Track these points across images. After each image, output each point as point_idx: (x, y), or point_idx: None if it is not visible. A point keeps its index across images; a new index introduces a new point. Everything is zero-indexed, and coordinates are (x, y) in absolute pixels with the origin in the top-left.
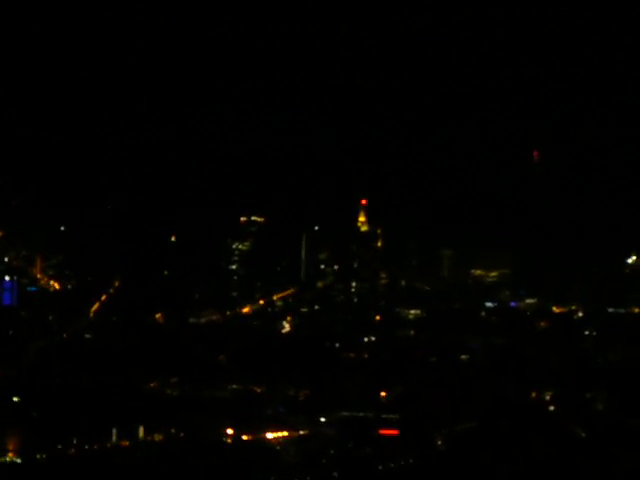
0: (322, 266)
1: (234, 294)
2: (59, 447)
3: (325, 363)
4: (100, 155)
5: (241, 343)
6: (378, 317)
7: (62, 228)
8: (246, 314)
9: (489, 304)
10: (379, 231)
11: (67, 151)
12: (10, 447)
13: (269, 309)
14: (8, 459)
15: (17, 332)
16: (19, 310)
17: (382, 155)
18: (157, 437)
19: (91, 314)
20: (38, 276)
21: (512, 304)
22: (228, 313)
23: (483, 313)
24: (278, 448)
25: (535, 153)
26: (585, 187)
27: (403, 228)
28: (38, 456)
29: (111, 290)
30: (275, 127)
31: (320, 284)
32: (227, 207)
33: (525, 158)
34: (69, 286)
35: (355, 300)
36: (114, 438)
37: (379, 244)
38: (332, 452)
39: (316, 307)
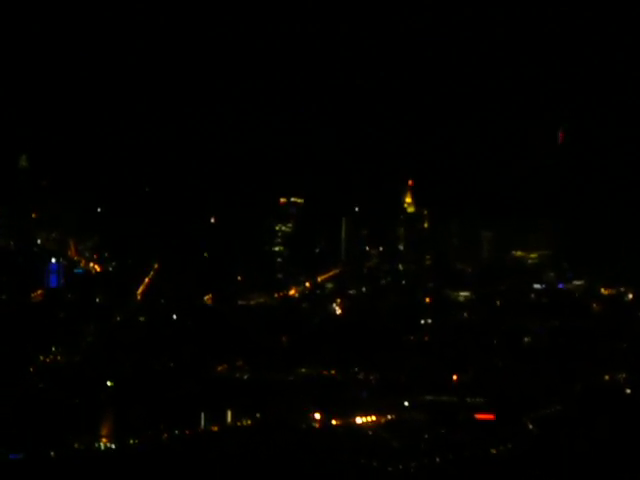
0: (366, 248)
1: (279, 276)
2: (151, 432)
3: (387, 346)
4: (139, 136)
5: (302, 325)
6: (428, 299)
7: (98, 210)
8: (293, 296)
9: (537, 286)
10: (425, 212)
11: (103, 132)
12: (103, 433)
13: (317, 291)
14: (102, 445)
15: (67, 315)
16: (65, 292)
17: (427, 137)
18: (245, 422)
19: (138, 296)
20: (75, 258)
21: (560, 286)
22: (276, 295)
23: (532, 295)
24: (370, 433)
25: (561, 134)
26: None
27: (445, 210)
28: (131, 441)
29: (152, 272)
30: (318, 106)
31: (365, 265)
32: (266, 188)
33: (556, 139)
34: (110, 268)
35: (403, 282)
36: (202, 423)
37: (425, 225)
38: (427, 437)
39: (363, 289)
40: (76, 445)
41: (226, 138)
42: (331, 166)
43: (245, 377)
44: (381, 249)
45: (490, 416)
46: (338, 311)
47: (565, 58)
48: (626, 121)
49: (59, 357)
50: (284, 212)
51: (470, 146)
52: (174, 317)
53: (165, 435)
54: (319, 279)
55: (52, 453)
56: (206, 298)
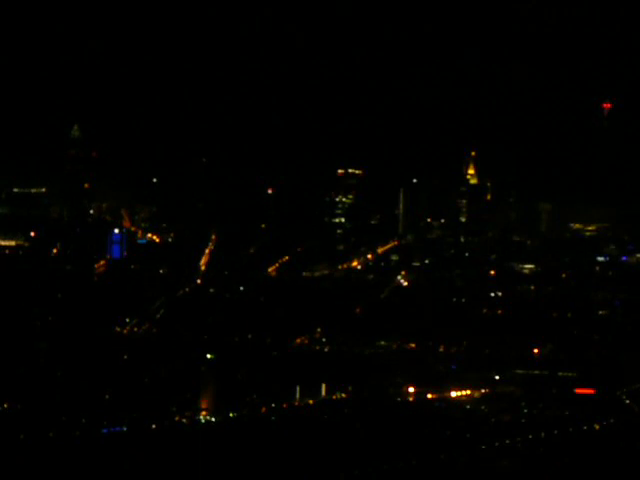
0: (428, 219)
1: (340, 247)
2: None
3: (460, 319)
4: (197, 106)
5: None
6: (493, 272)
7: (154, 180)
8: (356, 268)
9: (601, 258)
10: (489, 184)
11: (160, 101)
12: (203, 406)
13: (382, 263)
14: (202, 418)
15: (134, 286)
16: (129, 263)
17: (489, 107)
18: (339, 395)
19: (202, 267)
20: (132, 229)
21: (623, 258)
22: (340, 267)
23: (597, 268)
24: (468, 407)
25: (606, 105)
26: None
27: (507, 182)
28: (231, 415)
29: (212, 243)
30: (377, 76)
31: (427, 237)
32: (324, 159)
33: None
34: (169, 239)
35: (466, 254)
36: (298, 396)
37: (488, 197)
38: (526, 411)
39: (427, 261)
40: (177, 418)
41: (284, 109)
42: (391, 137)
43: (326, 349)
44: (443, 221)
45: (590, 391)
46: (404, 283)
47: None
48: None
49: (135, 329)
50: (343, 184)
51: (533, 117)
52: (241, 289)
53: (264, 409)
54: (379, 251)
55: (154, 426)
56: (270, 270)
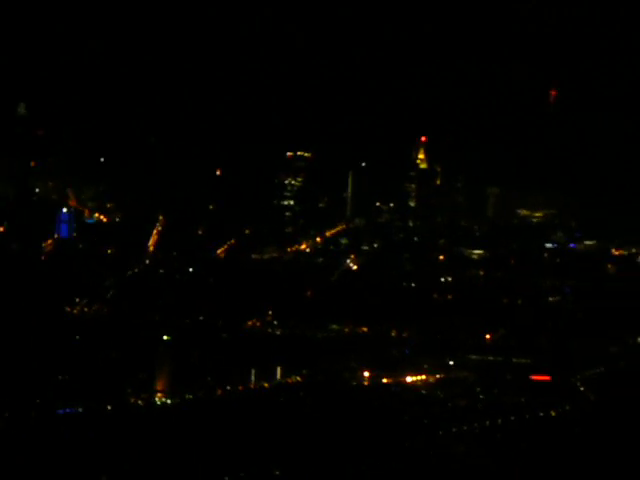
0: (377, 203)
1: (288, 230)
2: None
3: (410, 303)
4: (147, 84)
5: (321, 280)
6: (442, 257)
7: (101, 159)
8: (305, 251)
9: (549, 245)
10: (438, 169)
11: (106, 79)
12: (159, 388)
13: (331, 246)
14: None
15: (82, 266)
16: (76, 243)
17: (439, 92)
18: (294, 379)
19: (150, 247)
20: (79, 208)
21: (571, 245)
22: (289, 250)
23: (546, 254)
24: (424, 392)
25: (553, 92)
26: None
27: (456, 168)
28: (187, 397)
29: (159, 224)
30: (326, 55)
31: (376, 221)
32: (272, 141)
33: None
34: (117, 219)
35: (415, 239)
36: (253, 379)
37: (438, 182)
38: (482, 397)
39: (375, 245)
40: (133, 400)
41: (232, 89)
42: (340, 120)
43: (278, 332)
44: (392, 205)
45: (545, 377)
46: (354, 267)
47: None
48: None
49: (85, 309)
50: (292, 166)
51: (484, 102)
52: (190, 270)
53: (219, 391)
54: (327, 234)
55: (109, 407)
56: (219, 251)
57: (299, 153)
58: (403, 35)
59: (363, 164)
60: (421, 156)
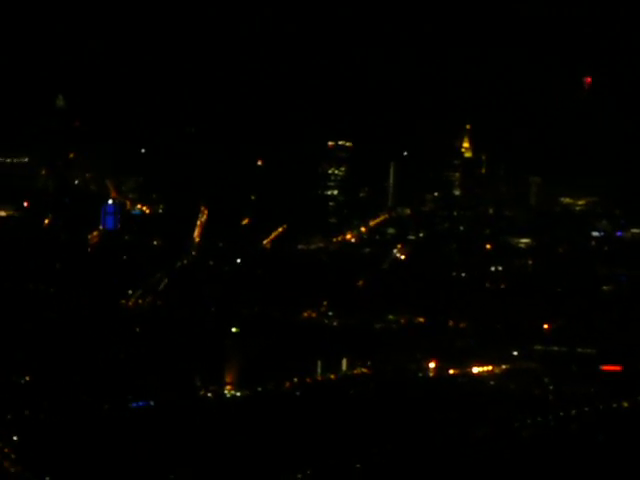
0: (422, 193)
1: (332, 220)
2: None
3: (464, 293)
4: (186, 76)
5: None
6: (489, 246)
7: (142, 150)
8: (350, 241)
9: (595, 233)
10: (484, 158)
11: (145, 69)
12: (228, 380)
13: (377, 236)
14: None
15: (129, 258)
16: (122, 234)
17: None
18: (360, 371)
19: (196, 239)
20: (120, 200)
21: (618, 234)
22: (335, 240)
23: (593, 243)
24: (492, 384)
25: (587, 80)
26: None
27: (500, 156)
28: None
29: (203, 215)
30: (366, 45)
31: (421, 210)
32: (313, 131)
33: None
34: (160, 210)
35: (461, 228)
36: (319, 371)
37: (483, 171)
38: (552, 388)
39: (421, 235)
40: (202, 393)
41: (272, 78)
42: (381, 108)
43: (335, 324)
44: (436, 194)
45: (617, 367)
46: (402, 257)
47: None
48: None
49: (140, 301)
50: (334, 156)
51: (526, 89)
52: (238, 261)
53: (288, 384)
54: (371, 224)
55: (180, 401)
56: (265, 242)
57: (340, 143)
58: (444, 22)
59: (405, 153)
60: (465, 144)
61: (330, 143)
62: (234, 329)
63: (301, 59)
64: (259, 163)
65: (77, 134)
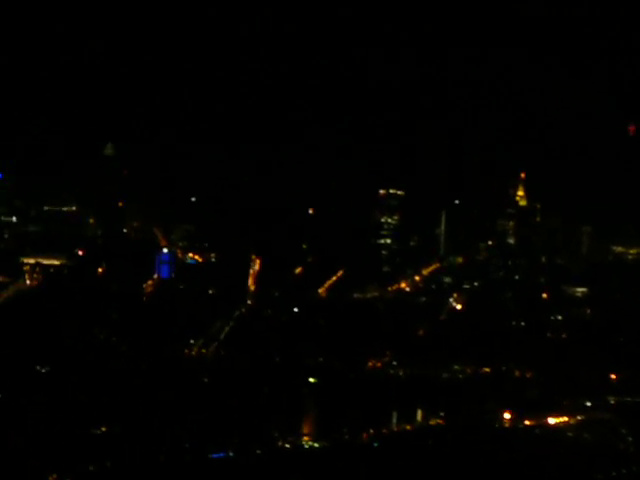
0: (476, 241)
1: (386, 269)
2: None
3: (525, 343)
4: (235, 126)
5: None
6: (545, 295)
7: (192, 199)
8: (404, 290)
9: None
10: (538, 206)
11: (195, 121)
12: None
13: (433, 285)
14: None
15: (186, 307)
16: (177, 283)
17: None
18: (435, 422)
19: (251, 287)
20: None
21: None
22: (389, 289)
23: None
24: (570, 435)
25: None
26: None
27: (553, 205)
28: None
29: (256, 264)
30: (418, 95)
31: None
32: (365, 180)
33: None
34: (212, 259)
35: (516, 277)
36: (394, 422)
37: (537, 219)
38: (630, 440)
39: (476, 284)
40: (280, 443)
41: (324, 129)
42: (433, 158)
43: (400, 373)
44: (490, 243)
45: None
46: (458, 306)
47: None
48: None
49: (203, 350)
50: (385, 204)
51: (577, 139)
52: (295, 310)
53: (365, 435)
54: (424, 272)
55: (258, 451)
56: (320, 291)
57: (392, 191)
58: (497, 68)
59: (456, 201)
60: (520, 193)
61: (382, 191)
62: (311, 379)
63: (355, 112)
64: (310, 212)
65: (125, 182)
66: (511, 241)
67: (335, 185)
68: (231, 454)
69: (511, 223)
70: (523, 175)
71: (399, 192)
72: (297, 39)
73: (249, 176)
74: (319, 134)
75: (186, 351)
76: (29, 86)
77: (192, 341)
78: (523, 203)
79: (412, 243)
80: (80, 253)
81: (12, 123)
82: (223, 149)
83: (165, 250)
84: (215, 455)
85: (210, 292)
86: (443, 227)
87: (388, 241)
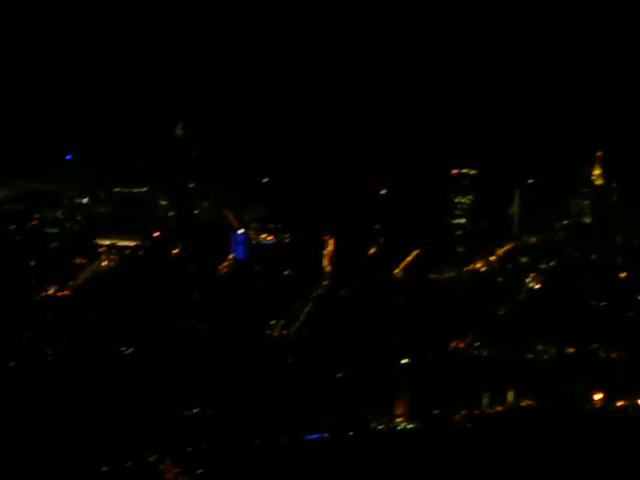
0: (550, 221)
1: (460, 249)
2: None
3: (608, 323)
4: (304, 105)
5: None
6: (623, 275)
7: (265, 180)
8: (480, 270)
9: None
10: (614, 185)
11: (264, 99)
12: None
13: (509, 265)
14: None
15: (264, 288)
16: (252, 264)
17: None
18: (525, 402)
19: (327, 268)
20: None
21: None
22: (465, 269)
23: None
24: None
25: None
26: None
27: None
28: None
29: (330, 244)
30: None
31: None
32: (437, 160)
33: None
34: (286, 240)
35: (593, 257)
36: (485, 402)
37: (614, 199)
38: None
39: (552, 263)
40: (373, 425)
41: (396, 107)
42: (506, 136)
43: (485, 353)
44: (566, 222)
45: None
46: (536, 286)
47: None
48: None
49: (284, 331)
50: (457, 184)
51: None
52: (373, 290)
53: (458, 416)
54: (499, 252)
55: (351, 433)
56: (396, 271)
57: (464, 171)
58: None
59: (530, 180)
60: (596, 171)
61: (454, 171)
62: (404, 360)
63: (427, 89)
64: (383, 192)
65: (196, 164)
66: (587, 220)
67: (408, 165)
68: (326, 435)
69: (587, 202)
70: (599, 154)
71: (472, 172)
72: None
73: (321, 156)
74: (393, 114)
75: (267, 332)
76: (98, 65)
77: (272, 322)
78: (599, 182)
79: (487, 223)
80: (156, 234)
81: (82, 104)
82: (294, 128)
83: (241, 231)
84: (310, 437)
85: (285, 273)
86: (517, 207)
87: (462, 221)
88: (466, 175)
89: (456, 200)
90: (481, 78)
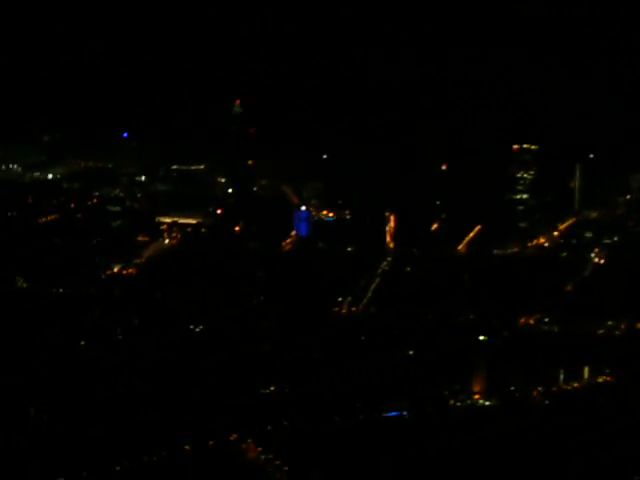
0: (612, 196)
1: (522, 224)
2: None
3: None
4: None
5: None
6: None
7: (324, 156)
8: (543, 245)
9: None
10: None
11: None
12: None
13: (573, 240)
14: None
15: (325, 265)
16: (315, 241)
17: None
18: (602, 378)
19: (390, 244)
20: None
21: None
22: (529, 244)
23: None
24: None
25: None
26: None
27: None
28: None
29: (391, 221)
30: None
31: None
32: (497, 135)
33: None
34: (347, 216)
35: None
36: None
37: None
38: None
39: (615, 238)
40: (452, 402)
41: (457, 85)
42: (567, 112)
43: (555, 329)
44: (628, 197)
45: None
46: (600, 261)
47: None
48: None
49: (353, 308)
50: (518, 159)
51: None
52: (435, 266)
53: (535, 392)
54: (561, 227)
55: (430, 410)
56: (459, 247)
57: (525, 146)
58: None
59: (591, 156)
60: None
61: (515, 146)
62: (481, 337)
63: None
64: (444, 167)
65: (254, 141)
66: None
67: (468, 140)
68: (405, 413)
69: None
70: None
71: (533, 147)
72: None
73: (381, 132)
74: (454, 91)
75: (335, 309)
76: (158, 45)
77: (340, 299)
78: None
79: (548, 198)
80: (218, 212)
81: (138, 83)
82: (354, 105)
83: (303, 208)
84: (389, 414)
85: (349, 249)
86: (578, 182)
87: (524, 196)
88: (527, 150)
89: (518, 175)
90: (547, 59)
